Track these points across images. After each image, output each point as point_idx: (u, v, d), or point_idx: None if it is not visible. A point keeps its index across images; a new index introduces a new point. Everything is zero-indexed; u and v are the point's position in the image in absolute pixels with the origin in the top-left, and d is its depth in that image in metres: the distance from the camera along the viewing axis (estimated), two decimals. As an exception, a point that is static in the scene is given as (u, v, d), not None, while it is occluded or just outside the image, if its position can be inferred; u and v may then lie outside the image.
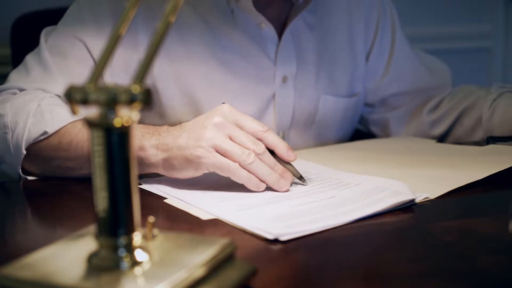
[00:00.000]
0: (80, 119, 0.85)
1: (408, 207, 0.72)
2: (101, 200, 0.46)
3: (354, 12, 1.14)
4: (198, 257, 0.48)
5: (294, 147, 1.09)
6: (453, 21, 2.10)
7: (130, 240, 0.47)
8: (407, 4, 1.94)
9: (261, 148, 0.77)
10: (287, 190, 0.77)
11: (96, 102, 0.45)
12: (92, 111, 0.46)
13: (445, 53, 1.65)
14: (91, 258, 0.47)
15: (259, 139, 0.78)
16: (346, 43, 1.13)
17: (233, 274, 0.50)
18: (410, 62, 1.21)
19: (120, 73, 0.95)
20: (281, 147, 0.79)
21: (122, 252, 0.46)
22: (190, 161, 0.77)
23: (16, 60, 1.19)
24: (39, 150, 0.86)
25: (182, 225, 0.68)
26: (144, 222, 0.50)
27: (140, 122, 0.82)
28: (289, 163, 0.79)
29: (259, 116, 1.04)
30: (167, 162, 0.78)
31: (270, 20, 1.02)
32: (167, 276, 0.45)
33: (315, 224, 0.65)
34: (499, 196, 0.80)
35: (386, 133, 1.23)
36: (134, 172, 0.47)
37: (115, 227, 0.46)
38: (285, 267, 0.57)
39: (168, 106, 1.00)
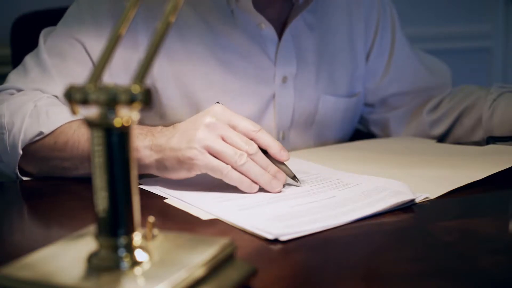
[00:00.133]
0: (76, 120, 0.85)
1: (408, 207, 0.72)
2: (101, 200, 0.46)
3: (354, 12, 1.14)
4: (198, 257, 0.48)
5: (294, 147, 1.10)
6: (453, 21, 2.10)
7: (130, 240, 0.47)
8: (407, 4, 1.94)
9: (254, 148, 0.76)
10: (280, 191, 0.77)
11: (96, 102, 0.45)
12: (92, 111, 0.46)
13: (445, 53, 1.65)
14: (91, 258, 0.47)
15: (252, 139, 0.77)
16: (346, 43, 1.13)
17: (233, 274, 0.50)
18: (410, 62, 1.21)
19: (120, 73, 0.95)
20: (274, 147, 0.78)
21: (122, 252, 0.46)
22: (182, 162, 0.76)
23: (16, 60, 1.19)
24: (36, 150, 0.86)
25: (182, 225, 0.68)
26: (144, 222, 0.50)
27: (140, 122, 0.82)
28: (282, 163, 0.79)
29: (259, 116, 1.04)
30: (160, 163, 0.78)
31: (270, 20, 1.02)
32: (167, 276, 0.45)
33: (315, 224, 0.65)
34: (499, 196, 0.80)
35: (386, 133, 1.23)
36: (134, 172, 0.47)
37: (115, 227, 0.46)
38: (285, 267, 0.57)
39: (168, 106, 1.00)
